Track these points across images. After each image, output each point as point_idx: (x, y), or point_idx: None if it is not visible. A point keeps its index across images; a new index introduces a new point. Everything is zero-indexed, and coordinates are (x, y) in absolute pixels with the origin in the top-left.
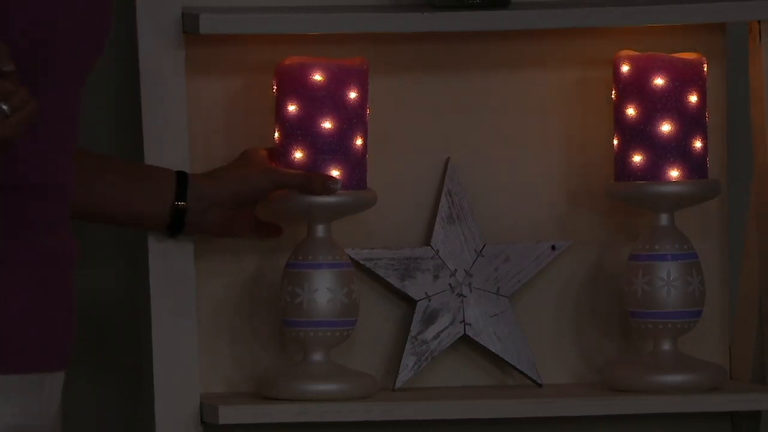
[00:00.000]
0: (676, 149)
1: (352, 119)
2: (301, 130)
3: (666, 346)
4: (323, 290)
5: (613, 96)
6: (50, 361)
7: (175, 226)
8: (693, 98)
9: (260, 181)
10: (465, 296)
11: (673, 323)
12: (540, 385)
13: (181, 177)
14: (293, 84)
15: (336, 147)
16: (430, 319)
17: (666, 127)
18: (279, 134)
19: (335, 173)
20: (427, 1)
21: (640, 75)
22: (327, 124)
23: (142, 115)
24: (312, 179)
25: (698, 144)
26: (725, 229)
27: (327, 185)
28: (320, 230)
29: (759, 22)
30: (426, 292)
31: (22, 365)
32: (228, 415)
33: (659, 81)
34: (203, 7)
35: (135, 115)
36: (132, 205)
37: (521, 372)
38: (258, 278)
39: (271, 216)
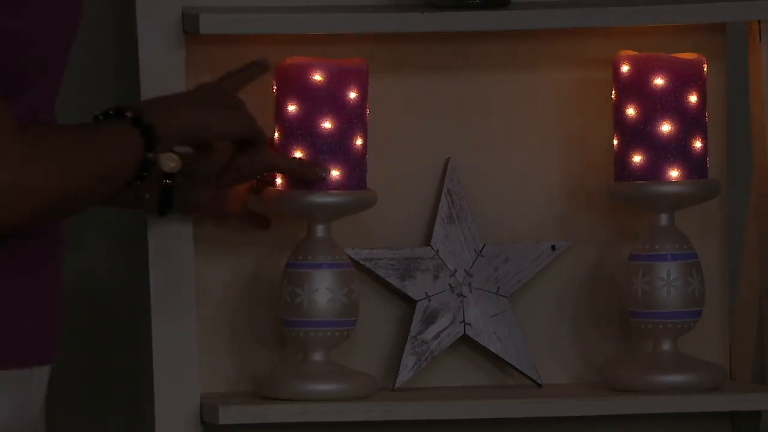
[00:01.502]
0: (676, 149)
1: (352, 119)
2: (301, 130)
3: (666, 346)
4: (323, 290)
5: (613, 96)
6: (37, 356)
7: (164, 203)
8: (693, 98)
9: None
10: (465, 296)
11: (673, 323)
12: (540, 385)
13: None
14: (293, 84)
15: (336, 147)
16: (430, 319)
17: (666, 127)
18: (279, 134)
19: (335, 173)
20: (427, 1)
21: (640, 75)
22: (327, 124)
23: None
24: (303, 164)
25: (698, 144)
26: (725, 229)
27: (316, 173)
28: (320, 230)
29: (759, 22)
30: (426, 292)
31: (11, 361)
32: (228, 415)
33: (659, 81)
34: (203, 7)
35: None
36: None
37: (521, 372)
38: (258, 278)
39: (270, 216)
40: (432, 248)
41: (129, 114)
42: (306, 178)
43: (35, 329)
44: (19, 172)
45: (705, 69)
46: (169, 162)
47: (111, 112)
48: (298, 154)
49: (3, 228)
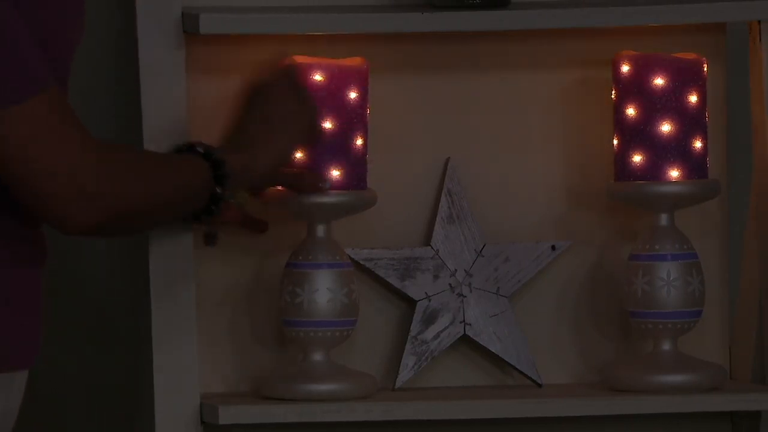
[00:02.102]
0: (675, 149)
1: (352, 119)
2: None
3: (666, 346)
4: (323, 290)
5: (613, 96)
6: (19, 360)
7: None
8: (693, 98)
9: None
10: (465, 296)
11: (673, 323)
12: (540, 385)
13: None
14: None
15: (336, 147)
16: (430, 319)
17: (666, 127)
18: None
19: (335, 173)
20: (427, 1)
21: (640, 75)
22: (327, 124)
23: (142, 114)
24: (303, 177)
25: (698, 144)
26: (725, 229)
27: (317, 184)
28: (320, 230)
29: (759, 22)
30: (426, 292)
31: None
32: (228, 415)
33: (659, 81)
34: (203, 7)
35: (135, 115)
36: None
37: (521, 372)
38: (258, 278)
39: (270, 216)
40: (432, 248)
41: (200, 149)
42: (306, 190)
43: (18, 334)
44: (94, 183)
45: (705, 69)
46: (241, 200)
47: (183, 148)
48: (297, 155)
49: (69, 231)
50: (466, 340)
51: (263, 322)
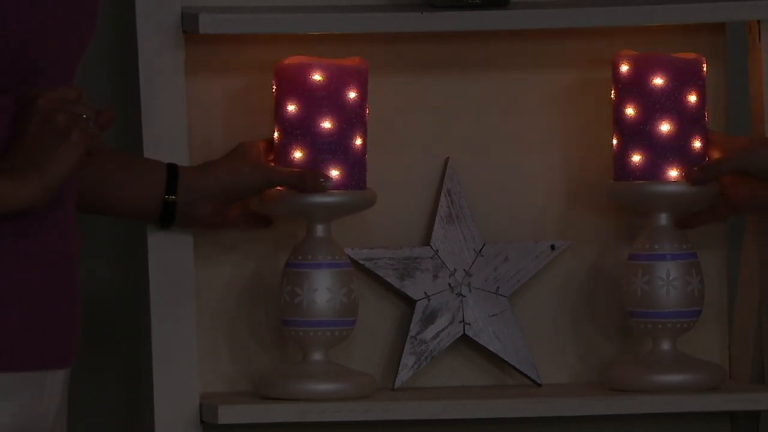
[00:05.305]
0: (675, 149)
1: (351, 119)
2: (300, 130)
3: (665, 345)
4: (323, 290)
5: (612, 96)
6: (51, 359)
7: (166, 218)
8: (692, 98)
9: (252, 178)
10: (464, 296)
11: (673, 323)
12: (539, 385)
13: (172, 170)
14: (293, 84)
15: (335, 147)
16: (429, 318)
17: (665, 127)
18: (278, 134)
19: (334, 173)
20: (427, 0)
21: (640, 75)
22: (326, 124)
23: (141, 114)
24: (304, 177)
25: (697, 144)
26: (725, 229)
27: (318, 183)
28: (320, 230)
29: (758, 22)
30: (425, 292)
31: (22, 363)
32: (227, 415)
33: (658, 81)
34: (203, 7)
35: (135, 115)
36: (123, 196)
37: (520, 372)
38: (257, 278)
39: (270, 215)
40: (431, 248)
41: None
42: (308, 189)
43: (49, 333)
44: None
45: (704, 69)
46: None
47: None
48: (297, 154)
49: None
50: (465, 340)
51: (263, 322)
